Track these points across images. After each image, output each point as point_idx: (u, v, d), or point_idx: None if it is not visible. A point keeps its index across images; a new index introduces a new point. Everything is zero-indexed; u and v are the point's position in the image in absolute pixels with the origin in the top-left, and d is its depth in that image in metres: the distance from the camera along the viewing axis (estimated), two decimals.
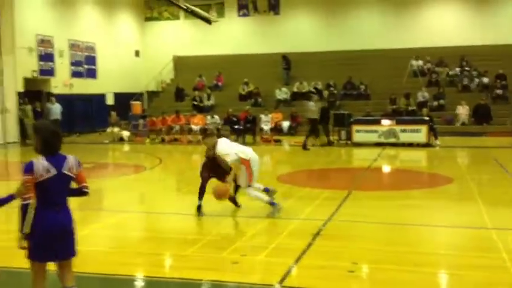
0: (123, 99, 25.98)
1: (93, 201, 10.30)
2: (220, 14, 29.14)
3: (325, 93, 24.16)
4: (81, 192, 4.11)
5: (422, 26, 26.83)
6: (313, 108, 18.05)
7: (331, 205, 8.81)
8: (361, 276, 5.57)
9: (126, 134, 21.82)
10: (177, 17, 30.16)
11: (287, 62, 26.13)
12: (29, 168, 3.84)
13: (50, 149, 3.94)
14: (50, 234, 3.88)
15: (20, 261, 6.10)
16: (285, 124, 22.00)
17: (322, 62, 26.04)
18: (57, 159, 3.94)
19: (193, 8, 25.79)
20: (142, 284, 5.52)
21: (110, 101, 26.76)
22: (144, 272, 5.74)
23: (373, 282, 5.41)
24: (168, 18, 30.42)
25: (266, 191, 8.44)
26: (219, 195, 8.01)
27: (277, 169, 14.62)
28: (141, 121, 22.68)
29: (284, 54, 26.28)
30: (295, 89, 24.93)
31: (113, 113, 22.65)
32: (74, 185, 4.09)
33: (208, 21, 27.51)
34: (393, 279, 5.40)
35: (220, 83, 26.89)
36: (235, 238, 7.03)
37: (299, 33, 28.21)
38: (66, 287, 4.06)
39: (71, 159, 4.01)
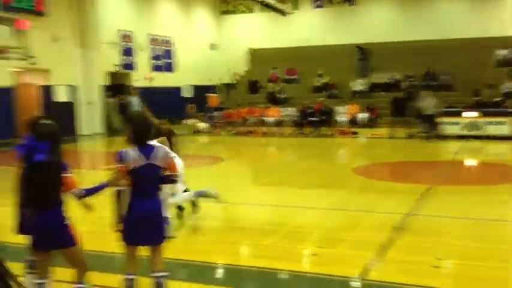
0: (200, 92, 26.54)
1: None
2: (295, 6, 29.05)
3: (404, 84, 23.49)
4: (170, 180, 4.27)
5: (508, 12, 25.42)
6: (431, 103, 17.56)
7: (411, 199, 8.56)
8: (446, 272, 5.39)
9: (202, 125, 22.27)
10: (252, 10, 30.36)
11: (363, 53, 25.62)
12: (120, 157, 4.05)
13: (141, 139, 4.09)
14: (140, 220, 4.06)
15: (110, 245, 6.38)
16: (362, 116, 21.62)
17: (398, 52, 25.31)
18: (147, 149, 4.08)
19: (268, 0, 25.82)
20: (222, 271, 5.62)
21: (187, 93, 27.42)
22: (224, 260, 5.84)
23: (459, 278, 5.21)
24: (243, 12, 30.69)
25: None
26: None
27: (353, 162, 14.42)
28: (217, 113, 23.07)
29: (359, 45, 25.78)
30: (372, 80, 24.43)
31: (190, 105, 23.18)
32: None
33: (283, 13, 27.53)
34: (480, 275, 5.18)
35: (294, 75, 26.81)
36: (313, 230, 7.00)
37: (375, 23, 27.59)
38: (154, 271, 4.20)
39: (160, 150, 4.14)
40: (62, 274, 4.63)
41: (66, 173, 3.97)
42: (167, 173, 4.24)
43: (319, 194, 9.68)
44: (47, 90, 19.55)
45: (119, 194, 4.14)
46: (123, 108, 22.66)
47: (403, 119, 18.11)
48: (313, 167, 13.05)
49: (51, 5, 19.39)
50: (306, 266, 5.72)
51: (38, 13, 18.82)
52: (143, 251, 4.28)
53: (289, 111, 21.42)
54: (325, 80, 25.00)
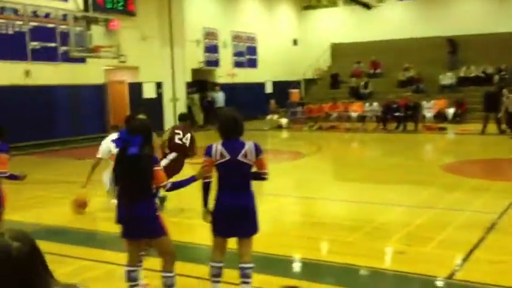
0: (282, 87, 26.58)
1: (255, 185, 10.69)
2: None
3: (496, 78, 22.26)
4: (259, 177, 4.28)
5: None
6: None
7: (505, 198, 8.08)
8: None
9: (284, 121, 22.29)
10: (335, 4, 29.97)
11: (453, 46, 24.52)
12: (207, 152, 4.15)
13: (228, 134, 4.15)
14: (225, 213, 4.15)
15: (196, 235, 6.52)
16: (450, 111, 20.71)
17: (491, 44, 23.97)
18: (234, 145, 4.13)
19: None
20: (304, 266, 5.56)
21: (269, 89, 27.56)
22: (306, 255, 5.78)
23: None
24: (326, 6, 30.37)
25: None
26: (79, 205, 7.64)
27: (441, 159, 13.84)
28: (299, 108, 22.99)
29: (449, 37, 24.70)
30: (461, 74, 23.35)
31: (272, 101, 23.27)
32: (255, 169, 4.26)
33: (368, 6, 26.95)
34: None
35: (378, 69, 26.17)
36: (400, 227, 6.77)
37: (465, 14, 26.31)
38: (241, 262, 4.25)
39: (248, 147, 4.15)
40: (151, 263, 4.78)
41: (156, 166, 4.09)
42: (258, 170, 4.25)
43: (405, 191, 9.38)
44: (136, 87, 20.35)
45: (205, 186, 4.22)
46: (208, 105, 23.20)
47: (495, 114, 17.14)
48: (398, 163, 12.67)
49: (140, 5, 20.16)
50: (392, 264, 5.54)
51: (129, 13, 19.63)
52: (231, 244, 4.34)
53: (373, 106, 20.94)
54: (411, 73, 24.20)
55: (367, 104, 21.25)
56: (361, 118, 20.76)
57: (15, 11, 15.93)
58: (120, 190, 4.18)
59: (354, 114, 21.03)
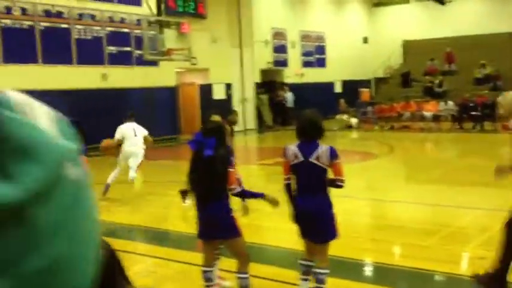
0: (351, 87, 26.19)
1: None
2: None
3: None
4: (334, 184, 4.16)
5: None
6: None
7: None
8: None
9: (354, 121, 21.93)
10: (407, 1, 29.17)
11: None
12: (284, 153, 4.18)
13: (303, 136, 4.13)
14: (299, 216, 4.15)
15: (263, 237, 6.51)
16: None
17: None
18: (308, 147, 4.09)
19: None
20: (378, 270, 5.42)
21: (338, 88, 27.24)
22: (379, 259, 5.63)
23: None
24: (397, 3, 29.61)
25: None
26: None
27: None
28: (369, 108, 22.56)
29: None
30: None
31: (342, 101, 22.97)
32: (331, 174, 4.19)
33: (441, 2, 26.04)
34: None
35: (453, 64, 25.17)
36: (479, 232, 6.47)
37: None
38: (317, 267, 4.21)
39: (322, 150, 4.08)
40: (226, 264, 4.81)
41: (230, 168, 4.13)
42: (334, 176, 4.18)
43: (483, 193, 8.95)
44: (206, 88, 20.70)
45: (288, 188, 4.20)
46: (278, 105, 23.20)
47: None
48: (475, 164, 12.12)
49: (210, 8, 20.49)
50: (473, 270, 5.29)
51: (200, 16, 20.01)
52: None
53: (449, 105, 20.15)
54: (487, 71, 23.15)
55: (442, 103, 20.49)
56: (436, 117, 20.05)
57: (93, 17, 16.62)
58: (196, 191, 4.23)
59: (428, 114, 20.35)
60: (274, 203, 4.31)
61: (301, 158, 4.06)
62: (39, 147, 0.49)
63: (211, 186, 4.07)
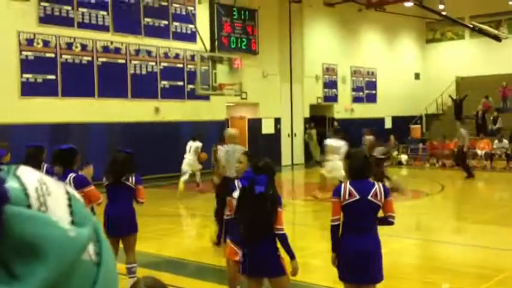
0: (402, 123, 25.84)
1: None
2: (510, 30, 26.74)
3: None
4: (386, 221, 4.14)
5: None
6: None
7: None
8: None
9: (404, 157, 21.57)
10: (461, 37, 28.78)
11: None
12: (336, 191, 4.10)
13: (358, 175, 4.10)
14: (348, 257, 4.04)
15: (311, 276, 6.46)
16: None
17: None
18: (362, 185, 4.06)
19: (481, 25, 24.24)
20: None
21: (388, 124, 26.93)
22: None
23: None
24: (451, 39, 29.25)
25: None
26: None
27: None
28: (420, 145, 22.15)
29: None
30: None
31: (391, 136, 22.66)
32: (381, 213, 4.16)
33: (497, 38, 25.56)
34: None
35: (507, 97, 24.51)
36: None
37: None
38: None
39: (378, 186, 4.07)
40: None
41: (279, 207, 4.12)
42: (384, 214, 4.14)
43: None
44: (255, 122, 20.92)
45: (335, 229, 4.15)
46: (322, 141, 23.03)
47: None
48: None
49: (262, 44, 20.88)
50: None
51: (252, 52, 20.42)
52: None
53: (503, 143, 19.56)
54: None
55: (496, 141, 19.92)
56: (489, 156, 19.47)
57: (149, 53, 17.24)
58: (244, 227, 4.22)
59: (481, 152, 19.80)
60: (295, 271, 4.23)
61: (357, 196, 3.99)
62: (47, 245, 0.47)
63: (261, 224, 4.06)
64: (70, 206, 0.52)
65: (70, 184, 4.60)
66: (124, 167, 5.78)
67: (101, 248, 0.53)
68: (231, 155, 7.29)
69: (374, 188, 4.02)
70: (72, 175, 4.70)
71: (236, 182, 4.64)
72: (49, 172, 6.31)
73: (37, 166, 6.15)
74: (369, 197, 3.99)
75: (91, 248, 0.52)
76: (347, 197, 4.00)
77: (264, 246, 4.08)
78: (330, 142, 12.28)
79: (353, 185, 4.04)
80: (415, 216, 11.16)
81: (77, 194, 0.55)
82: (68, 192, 0.54)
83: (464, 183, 16.98)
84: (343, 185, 4.10)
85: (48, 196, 0.51)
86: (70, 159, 4.78)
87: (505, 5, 25.78)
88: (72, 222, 0.51)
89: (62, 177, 4.71)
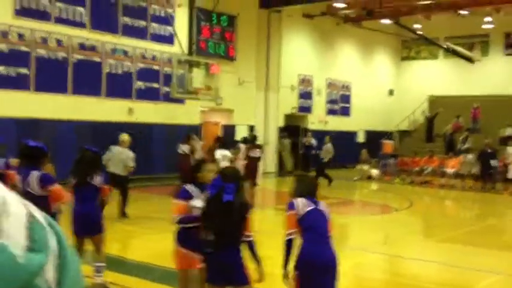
0: (374, 137, 26.14)
1: (339, 238, 10.44)
2: (485, 52, 27.36)
3: None
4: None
5: None
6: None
7: None
8: None
9: (375, 172, 21.78)
10: (435, 56, 29.34)
11: None
12: (290, 205, 4.27)
13: (309, 195, 4.40)
14: (309, 267, 4.12)
15: (277, 285, 6.41)
16: None
17: None
18: (312, 200, 4.37)
19: (455, 47, 24.75)
20: None
21: (360, 138, 27.21)
22: None
23: None
24: (425, 58, 29.78)
25: None
26: None
27: None
28: (391, 160, 22.42)
29: None
30: None
31: (364, 151, 22.91)
32: None
33: (470, 60, 26.14)
34: None
35: (477, 124, 25.07)
36: None
37: None
38: None
39: (322, 202, 4.47)
40: None
41: (247, 215, 4.14)
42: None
43: (504, 257, 8.75)
44: (229, 129, 20.87)
45: (290, 244, 4.21)
46: (306, 149, 23.07)
47: None
48: (496, 225, 11.90)
49: (240, 51, 20.88)
50: None
51: (229, 58, 20.41)
52: None
53: (468, 159, 19.70)
54: None
55: (461, 156, 20.22)
56: (458, 175, 19.80)
57: (126, 53, 17.06)
58: (211, 236, 4.20)
59: (449, 171, 20.13)
60: (261, 276, 4.24)
61: (312, 206, 4.23)
62: None
63: (229, 232, 4.05)
64: (29, 229, 0.50)
65: (34, 181, 4.48)
66: (91, 167, 5.69)
67: (64, 273, 0.51)
68: (116, 155, 10.60)
69: (320, 202, 4.40)
70: (36, 172, 4.57)
71: (189, 188, 4.59)
72: (6, 166, 6.22)
73: None
74: (319, 207, 4.35)
75: (50, 275, 0.49)
76: (302, 207, 4.24)
77: (229, 254, 4.05)
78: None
79: (305, 198, 4.33)
80: (382, 230, 11.26)
81: (43, 219, 0.52)
82: (31, 216, 0.52)
83: (432, 201, 17.24)
84: (296, 199, 4.31)
85: (6, 218, 0.49)
86: (37, 157, 4.65)
87: (478, 28, 26.40)
88: (28, 247, 0.49)
89: (25, 173, 4.59)
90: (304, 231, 4.17)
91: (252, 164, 12.97)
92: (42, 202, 4.52)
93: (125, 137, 10.48)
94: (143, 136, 17.39)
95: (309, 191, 4.39)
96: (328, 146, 18.98)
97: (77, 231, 5.82)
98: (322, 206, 4.35)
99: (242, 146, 14.45)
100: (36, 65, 14.80)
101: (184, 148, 12.70)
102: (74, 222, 5.86)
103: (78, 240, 5.80)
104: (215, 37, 19.84)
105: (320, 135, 24.20)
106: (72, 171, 5.78)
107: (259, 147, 14.21)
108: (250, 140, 14.86)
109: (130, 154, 10.38)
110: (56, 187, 4.61)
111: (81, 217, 5.71)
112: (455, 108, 25.80)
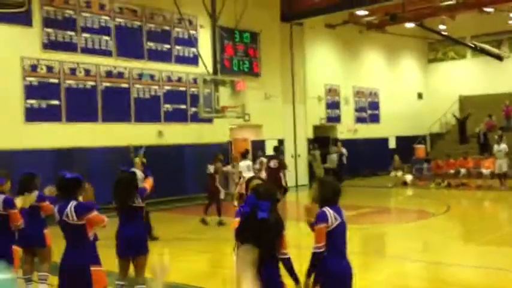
0: (406, 143, 25.81)
1: (377, 247, 10.29)
2: None
3: None
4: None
5: None
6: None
7: None
8: None
9: (409, 177, 21.47)
10: (463, 56, 28.89)
11: None
12: (322, 217, 4.20)
13: (334, 201, 4.31)
14: (334, 280, 4.10)
15: None
16: None
17: None
18: (336, 209, 4.27)
19: (482, 45, 24.34)
20: None
21: (392, 144, 26.88)
22: None
23: None
24: (453, 58, 29.36)
25: None
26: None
27: None
28: (425, 165, 22.07)
29: None
30: None
31: (396, 157, 22.61)
32: None
33: (499, 57, 25.65)
34: None
35: (510, 121, 24.48)
36: None
37: None
38: None
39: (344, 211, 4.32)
40: None
41: (283, 231, 4.09)
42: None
43: None
44: (258, 144, 20.90)
45: (319, 257, 4.18)
46: (339, 159, 22.90)
47: None
48: None
49: (265, 66, 20.97)
50: None
51: (254, 74, 20.52)
52: None
53: (504, 161, 19.32)
54: None
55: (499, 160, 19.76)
56: (495, 175, 19.34)
57: (152, 77, 17.34)
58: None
59: (485, 171, 19.69)
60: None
61: (340, 219, 4.17)
62: None
63: (264, 250, 3.94)
64: None
65: (72, 212, 4.59)
66: (129, 188, 5.80)
67: None
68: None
69: (343, 211, 4.29)
70: (74, 202, 4.67)
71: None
72: (41, 198, 6.42)
73: (29, 192, 6.39)
74: (344, 219, 4.27)
75: None
76: (333, 221, 4.17)
77: (267, 271, 3.99)
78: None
79: (332, 209, 4.23)
80: (420, 237, 11.06)
81: (8, 280, 0.53)
82: None
83: (470, 203, 16.87)
84: (325, 210, 4.20)
85: None
86: (74, 188, 4.76)
87: (505, 25, 25.92)
88: None
89: (63, 205, 4.69)
90: (331, 244, 4.14)
91: (272, 174, 14.06)
92: (80, 230, 4.63)
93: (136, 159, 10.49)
94: (174, 157, 17.60)
95: (334, 197, 4.32)
96: (333, 157, 19.37)
97: (121, 254, 5.95)
98: (344, 216, 4.30)
99: (263, 159, 15.66)
100: (66, 96, 15.17)
101: (210, 168, 12.88)
102: (119, 245, 5.99)
103: (122, 263, 5.91)
104: (239, 54, 20.00)
105: (350, 144, 24.06)
106: (113, 195, 5.94)
107: (277, 157, 15.47)
108: (275, 151, 16.12)
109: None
110: (92, 214, 4.69)
111: (126, 239, 5.84)
112: (487, 107, 25.33)
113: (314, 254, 4.13)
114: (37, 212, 6.47)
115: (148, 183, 6.40)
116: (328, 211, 4.13)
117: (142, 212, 5.94)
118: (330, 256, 4.09)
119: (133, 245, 5.85)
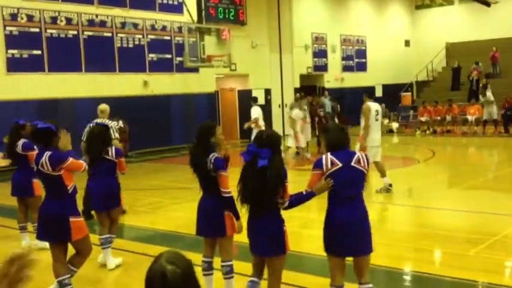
0: (392, 91, 25.81)
1: (364, 193, 10.43)
2: None
3: None
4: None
5: None
6: None
7: None
8: None
9: (395, 125, 21.61)
10: (451, 2, 28.59)
11: None
12: (317, 164, 3.95)
13: (338, 146, 3.98)
14: (340, 229, 3.87)
15: (308, 246, 6.43)
16: None
17: None
18: (343, 155, 3.93)
19: None
20: (411, 279, 5.31)
21: (379, 92, 26.85)
22: (419, 268, 5.51)
23: None
24: (441, 5, 29.04)
25: None
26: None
27: None
28: (411, 112, 22.17)
29: None
30: None
31: (382, 105, 22.59)
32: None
33: (487, 3, 25.40)
34: None
35: (497, 68, 24.48)
36: None
37: None
38: (361, 283, 4.00)
39: (360, 154, 3.97)
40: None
41: (285, 181, 3.91)
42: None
43: None
44: (245, 94, 20.77)
45: (311, 196, 4.01)
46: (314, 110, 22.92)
47: None
48: None
49: (251, 15, 20.60)
50: None
51: (240, 22, 20.16)
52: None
53: (491, 109, 19.50)
54: None
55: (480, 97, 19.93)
56: (480, 121, 19.54)
57: (135, 26, 16.96)
58: (247, 203, 4.00)
59: (471, 118, 19.86)
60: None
61: (340, 164, 3.86)
62: None
63: (265, 198, 3.86)
64: None
65: (46, 162, 4.55)
66: (102, 142, 5.70)
67: None
68: None
69: (356, 155, 3.92)
70: (48, 153, 4.59)
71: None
72: (26, 147, 6.41)
73: (16, 140, 6.60)
74: (353, 164, 3.88)
75: None
76: (329, 166, 3.86)
77: (266, 222, 3.91)
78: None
79: (334, 155, 3.91)
80: (406, 183, 11.21)
81: None
82: None
83: (455, 150, 17.08)
84: (323, 156, 3.94)
85: None
86: (46, 137, 4.67)
87: None
88: None
89: (39, 155, 4.66)
90: (330, 191, 3.93)
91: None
92: (57, 181, 4.60)
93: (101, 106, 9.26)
94: (160, 108, 17.46)
95: (338, 143, 3.97)
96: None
97: (97, 208, 5.94)
98: (357, 159, 3.91)
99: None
100: (48, 45, 14.82)
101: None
102: (93, 199, 5.97)
103: (101, 216, 5.88)
104: (224, 2, 19.57)
105: (337, 93, 24.00)
106: (85, 149, 5.79)
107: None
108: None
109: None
110: (67, 163, 4.60)
111: (100, 193, 5.78)
112: (474, 54, 25.26)
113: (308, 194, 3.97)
114: (25, 162, 6.42)
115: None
116: (326, 158, 3.89)
117: (115, 167, 5.81)
118: (329, 203, 3.94)
119: (109, 198, 5.80)
